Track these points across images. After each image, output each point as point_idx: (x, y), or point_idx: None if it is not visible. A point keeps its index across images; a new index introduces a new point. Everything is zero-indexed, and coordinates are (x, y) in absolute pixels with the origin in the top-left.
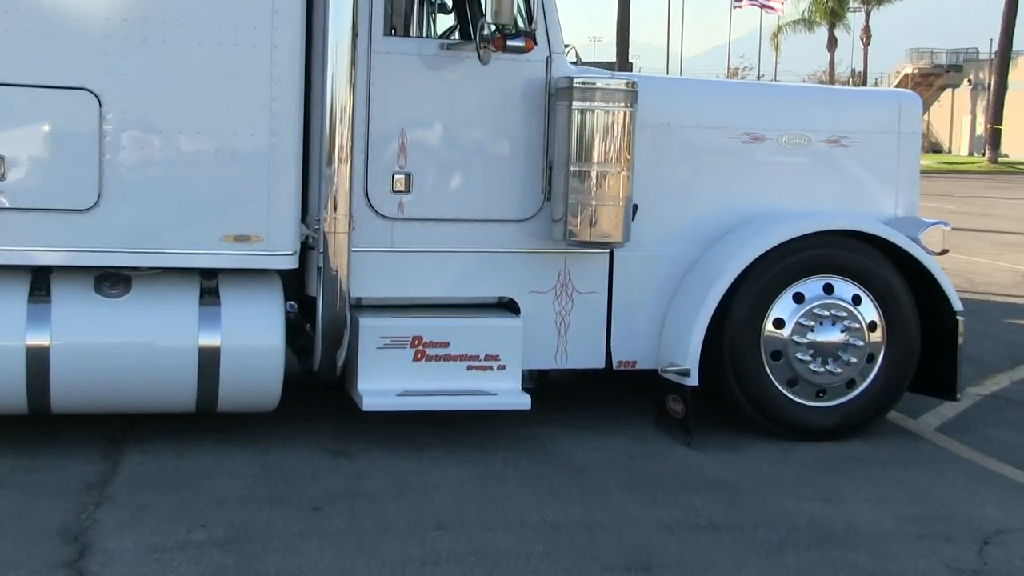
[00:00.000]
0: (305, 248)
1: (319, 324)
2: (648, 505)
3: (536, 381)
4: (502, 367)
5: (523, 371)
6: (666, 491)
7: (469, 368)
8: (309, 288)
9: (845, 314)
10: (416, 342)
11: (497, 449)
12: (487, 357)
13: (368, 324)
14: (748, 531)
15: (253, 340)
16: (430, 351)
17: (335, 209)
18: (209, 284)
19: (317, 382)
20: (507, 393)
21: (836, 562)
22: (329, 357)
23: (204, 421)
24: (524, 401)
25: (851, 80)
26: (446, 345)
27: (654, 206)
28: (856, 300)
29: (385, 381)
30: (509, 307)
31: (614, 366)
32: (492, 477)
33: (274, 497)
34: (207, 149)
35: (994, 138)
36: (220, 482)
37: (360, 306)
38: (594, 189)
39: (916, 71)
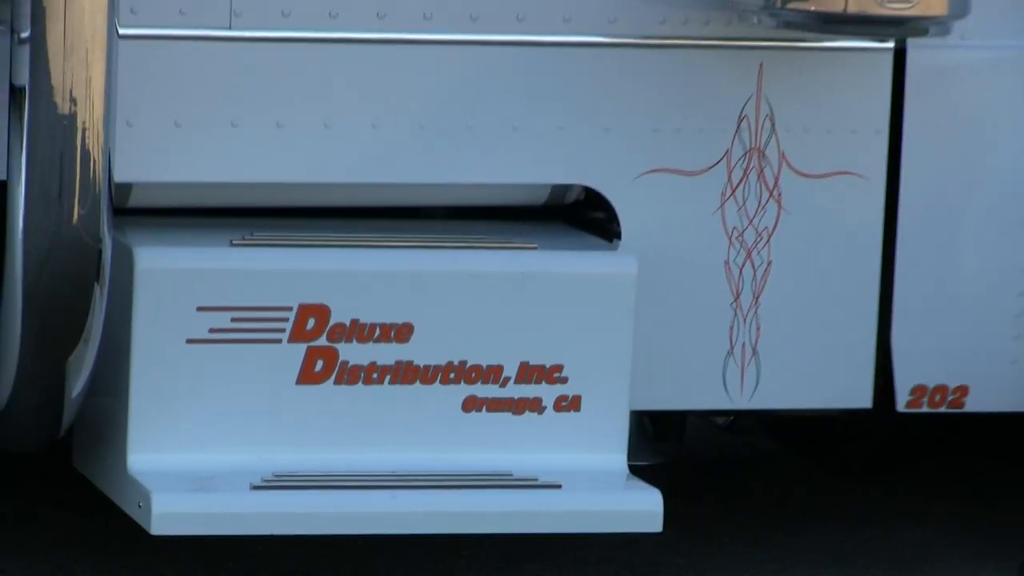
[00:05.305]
0: None
1: (13, 272)
2: None
3: (668, 448)
4: (572, 403)
5: (633, 418)
6: None
7: (472, 406)
8: None
9: None
10: (311, 325)
11: None
12: (528, 373)
13: (162, 271)
14: None
15: None
16: (350, 354)
17: None
18: None
19: None
20: (590, 484)
21: None
22: (37, 377)
23: None
24: (644, 509)
25: None
26: (400, 335)
27: None
28: None
29: (209, 446)
30: (587, 222)
31: (900, 404)
32: None
33: None
34: None
35: None
36: None
37: (136, 212)
38: None
39: None
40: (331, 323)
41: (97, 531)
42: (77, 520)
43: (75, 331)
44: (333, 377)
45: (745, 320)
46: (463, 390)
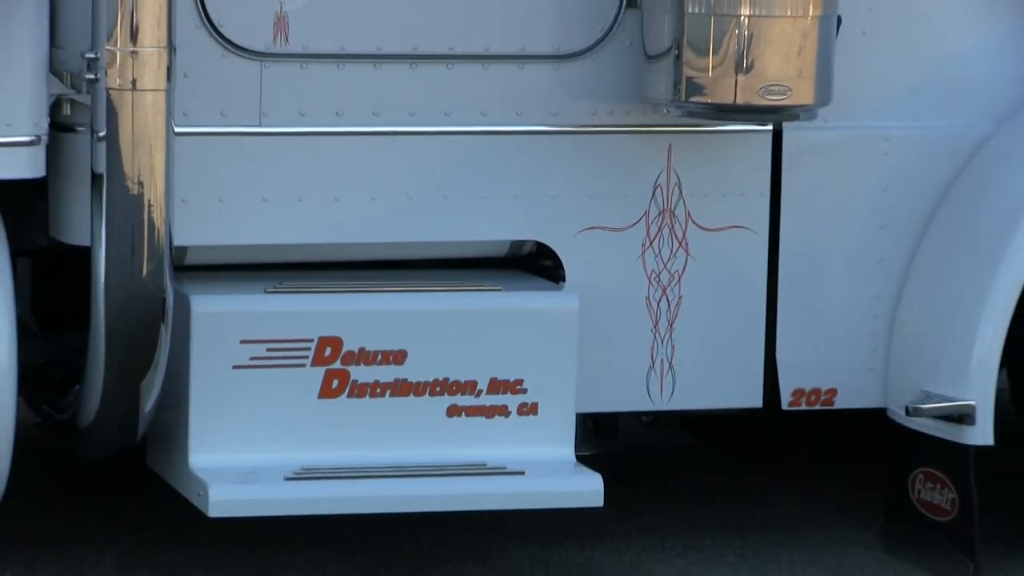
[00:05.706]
0: (58, 134)
1: (97, 317)
2: None
3: (605, 441)
4: (530, 408)
5: (578, 418)
6: None
7: (453, 413)
8: (63, 230)
9: None
10: (328, 352)
11: None
12: (496, 386)
13: (212, 314)
14: None
15: None
16: (359, 374)
17: (132, 34)
18: None
19: (80, 455)
20: (546, 471)
21: None
22: (118, 397)
23: None
24: (588, 489)
25: None
26: (397, 358)
27: (883, 22)
28: None
29: (252, 447)
30: (539, 268)
31: (784, 403)
32: None
33: None
34: None
35: None
36: None
37: (190, 269)
38: None
39: None
40: (344, 351)
41: (167, 518)
42: (148, 510)
43: (146, 361)
44: (346, 393)
45: (663, 342)
46: (447, 400)
